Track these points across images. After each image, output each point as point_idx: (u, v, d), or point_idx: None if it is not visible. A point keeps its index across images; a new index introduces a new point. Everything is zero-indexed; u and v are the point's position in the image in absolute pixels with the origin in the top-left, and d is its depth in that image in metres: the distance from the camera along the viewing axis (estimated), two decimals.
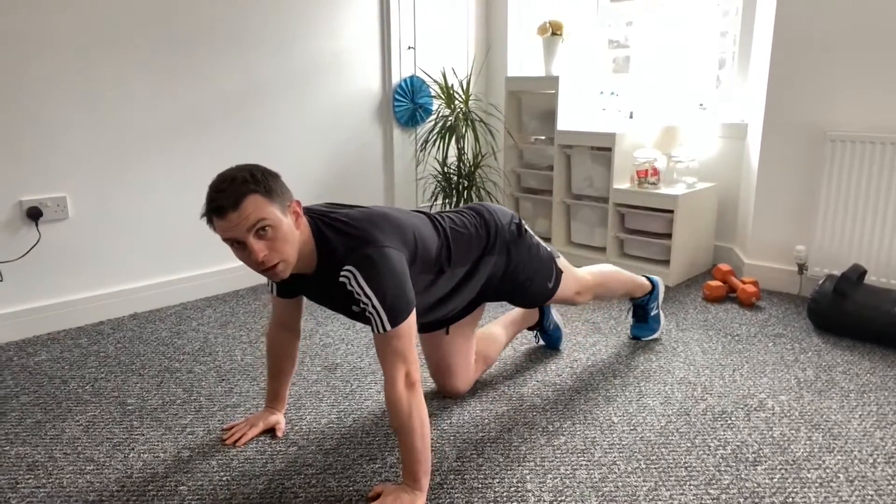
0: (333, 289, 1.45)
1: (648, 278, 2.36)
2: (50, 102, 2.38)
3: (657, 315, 2.39)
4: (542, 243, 1.96)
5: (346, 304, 1.48)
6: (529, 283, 1.90)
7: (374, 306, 1.40)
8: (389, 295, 1.40)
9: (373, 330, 1.43)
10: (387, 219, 1.52)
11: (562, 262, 1.99)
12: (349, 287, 1.40)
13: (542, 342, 2.37)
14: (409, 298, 1.44)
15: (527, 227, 1.91)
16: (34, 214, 2.38)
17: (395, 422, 1.44)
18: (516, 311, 2.25)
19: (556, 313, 2.33)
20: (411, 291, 1.46)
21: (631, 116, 3.46)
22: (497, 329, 2.16)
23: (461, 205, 3.51)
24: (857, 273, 2.40)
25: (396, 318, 1.41)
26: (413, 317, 1.45)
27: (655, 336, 2.40)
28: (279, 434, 1.76)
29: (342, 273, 1.41)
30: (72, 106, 2.43)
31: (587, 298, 2.10)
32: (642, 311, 2.37)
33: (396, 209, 1.62)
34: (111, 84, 2.51)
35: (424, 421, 1.45)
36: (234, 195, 1.33)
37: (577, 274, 2.04)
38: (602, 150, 3.17)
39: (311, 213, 1.53)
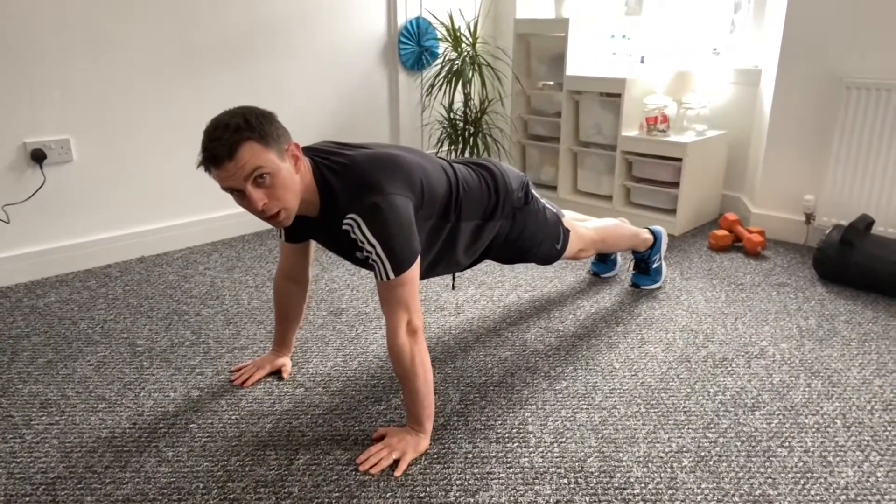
0: (338, 234, 1.43)
1: (652, 230, 2.36)
2: (53, 44, 2.34)
3: (659, 267, 2.40)
4: (548, 205, 1.94)
5: (350, 251, 1.47)
6: (538, 247, 1.91)
7: (377, 254, 1.38)
8: (394, 243, 1.38)
9: (376, 277, 1.42)
10: (394, 162, 1.47)
11: (566, 220, 1.98)
12: (353, 235, 1.38)
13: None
14: (414, 247, 1.42)
15: (534, 192, 1.89)
16: (38, 157, 2.37)
17: (398, 368, 1.45)
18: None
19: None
20: (416, 240, 1.44)
21: (642, 61, 3.38)
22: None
23: (467, 153, 3.48)
24: (864, 223, 2.39)
25: (400, 267, 1.40)
26: (417, 265, 1.44)
27: (657, 286, 2.41)
28: (285, 376, 1.79)
29: (345, 221, 1.38)
30: (75, 47, 2.39)
31: (589, 254, 2.12)
32: (644, 264, 2.39)
33: (407, 149, 1.57)
34: (114, 25, 2.46)
35: (427, 367, 1.47)
36: (228, 143, 1.28)
37: (579, 231, 2.03)
38: (611, 96, 3.11)
39: (313, 154, 1.48)
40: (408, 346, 1.43)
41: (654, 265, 2.38)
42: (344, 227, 1.39)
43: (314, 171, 1.45)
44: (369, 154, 1.48)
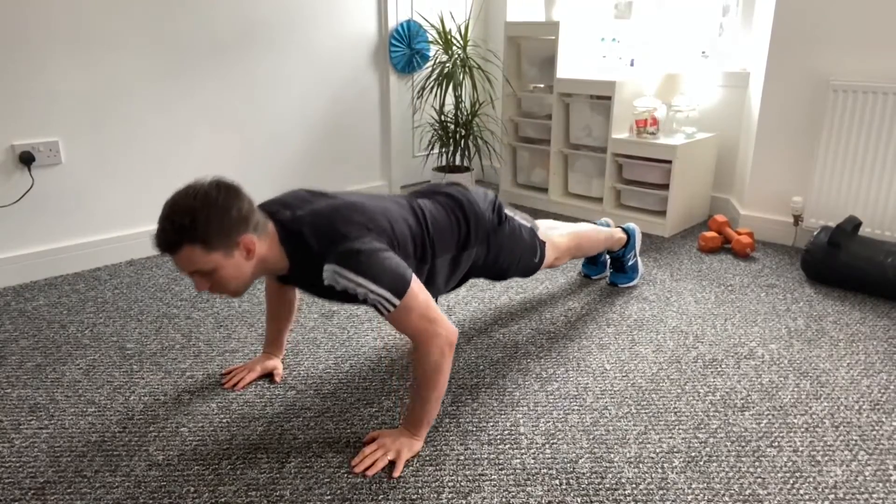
0: (319, 286, 1.43)
1: (625, 229, 2.39)
2: (41, 45, 2.33)
3: (635, 264, 2.42)
4: (522, 220, 1.92)
5: (343, 299, 1.48)
6: (517, 264, 1.91)
7: (373, 290, 1.36)
8: (384, 272, 1.36)
9: (381, 312, 1.40)
10: (359, 210, 1.46)
11: (541, 232, 1.98)
12: (339, 286, 1.37)
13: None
14: (403, 268, 1.40)
15: (507, 211, 1.87)
16: (27, 159, 2.36)
17: (421, 376, 1.44)
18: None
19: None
20: (402, 262, 1.42)
21: (632, 64, 3.40)
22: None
23: (458, 155, 3.48)
24: (851, 224, 2.41)
25: (400, 290, 1.38)
26: (416, 281, 1.42)
27: (633, 284, 2.43)
28: (277, 379, 1.79)
29: (325, 276, 1.38)
30: (64, 48, 2.38)
31: (564, 261, 2.13)
32: (619, 262, 2.41)
33: (369, 196, 1.57)
34: (104, 26, 2.45)
35: (445, 382, 1.47)
36: (168, 242, 1.30)
37: (554, 241, 2.03)
38: (602, 98, 3.13)
39: (277, 213, 1.46)
40: (442, 364, 1.43)
41: (630, 262, 2.40)
42: (326, 282, 1.38)
43: (279, 234, 1.43)
44: (330, 204, 1.47)
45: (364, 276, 1.36)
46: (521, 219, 1.93)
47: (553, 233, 2.07)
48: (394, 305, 1.38)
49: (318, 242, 1.40)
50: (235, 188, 1.37)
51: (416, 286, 1.42)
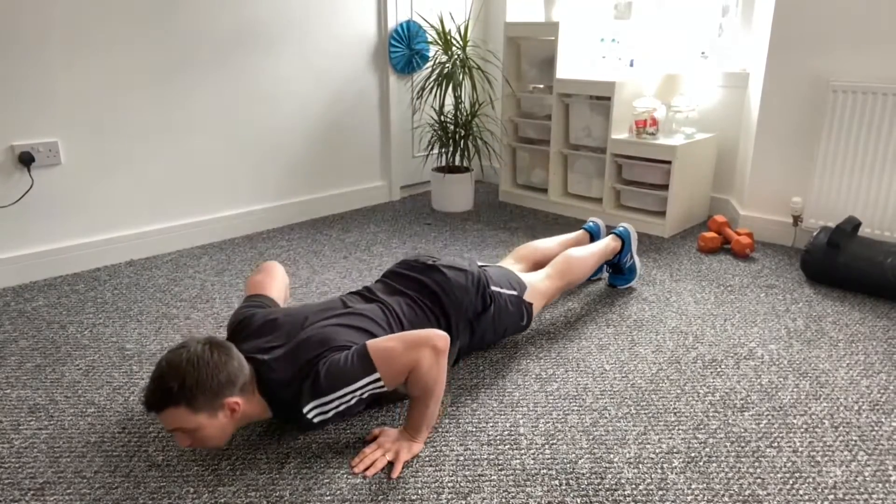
0: (313, 424, 1.44)
1: (619, 234, 2.34)
2: (40, 46, 2.33)
3: (633, 265, 2.41)
4: (510, 290, 1.87)
5: (348, 415, 1.48)
6: (504, 334, 1.93)
7: (358, 389, 1.40)
8: (349, 369, 1.39)
9: (381, 390, 1.43)
10: (317, 337, 1.47)
11: (528, 291, 1.93)
12: (328, 416, 1.41)
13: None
14: (352, 351, 1.42)
15: (493, 289, 1.82)
16: (26, 160, 2.36)
17: (415, 391, 1.45)
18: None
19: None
20: (350, 354, 1.43)
21: (631, 64, 3.41)
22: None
23: (458, 156, 3.48)
24: (851, 225, 2.41)
25: (370, 367, 1.40)
26: (368, 343, 1.43)
27: (632, 284, 2.43)
28: None
29: (313, 418, 1.41)
30: (63, 49, 2.38)
31: (558, 296, 2.15)
32: (616, 267, 2.40)
33: (343, 313, 1.58)
34: (103, 26, 2.45)
35: (443, 384, 1.48)
36: (156, 402, 1.33)
37: (539, 289, 1.99)
38: (601, 99, 3.13)
39: (253, 355, 1.46)
40: (435, 372, 1.44)
41: (627, 265, 2.40)
42: (316, 420, 1.42)
43: (261, 383, 1.44)
44: (296, 343, 1.47)
45: (342, 386, 1.39)
46: (508, 290, 1.87)
47: (538, 282, 2.01)
48: (380, 379, 1.41)
49: (291, 391, 1.42)
50: (227, 348, 1.39)
51: (372, 344, 1.43)
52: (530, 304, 1.93)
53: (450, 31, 3.38)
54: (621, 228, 2.36)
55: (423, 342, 1.43)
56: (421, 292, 1.74)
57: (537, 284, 1.99)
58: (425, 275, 1.76)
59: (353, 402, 1.42)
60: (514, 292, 1.89)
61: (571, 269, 2.10)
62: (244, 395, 1.40)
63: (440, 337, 1.45)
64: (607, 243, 2.30)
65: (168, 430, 1.36)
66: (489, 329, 1.83)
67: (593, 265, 2.21)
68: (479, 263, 1.93)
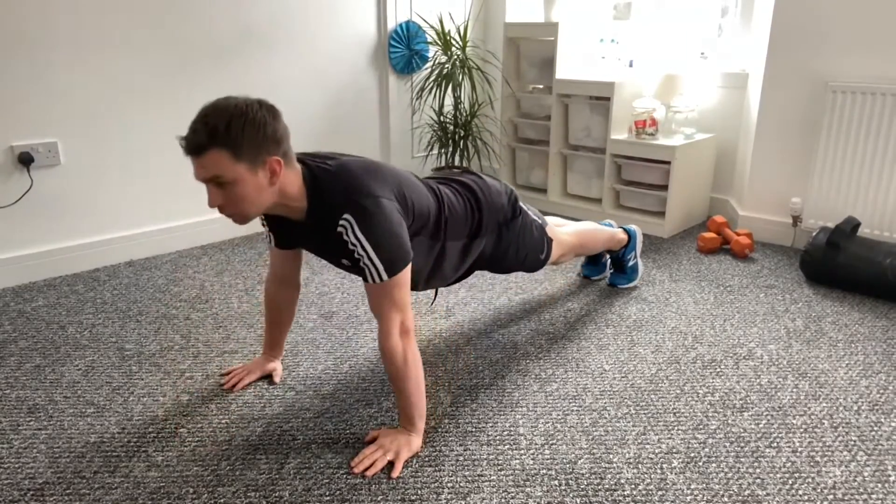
0: (328, 236, 1.42)
1: (627, 230, 2.39)
2: (40, 46, 2.32)
3: (635, 265, 2.42)
4: (535, 216, 1.94)
5: (338, 255, 1.47)
6: (524, 260, 1.93)
7: (370, 257, 1.38)
8: (386, 244, 1.38)
9: (366, 280, 1.41)
10: (382, 170, 1.47)
11: (549, 228, 1.99)
12: (346, 237, 1.37)
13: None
14: (406, 249, 1.42)
15: (522, 204, 1.89)
16: (26, 160, 2.36)
17: (390, 368, 1.46)
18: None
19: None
20: (408, 243, 1.44)
21: (631, 65, 3.41)
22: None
23: (458, 156, 3.48)
24: (850, 225, 2.41)
25: (394, 268, 1.40)
26: (409, 268, 1.44)
27: (633, 284, 2.43)
28: (276, 380, 1.79)
29: (340, 223, 1.37)
30: (62, 49, 2.37)
31: (568, 259, 2.15)
32: (619, 262, 2.41)
33: (393, 166, 1.58)
34: (103, 27, 2.45)
35: (418, 367, 1.47)
36: (198, 142, 1.28)
37: (560, 238, 2.04)
38: (601, 99, 3.13)
39: (306, 159, 1.47)
40: (400, 346, 1.44)
41: (630, 263, 2.41)
42: (339, 228, 1.38)
43: (305, 175, 1.43)
44: (360, 160, 1.49)
45: (368, 238, 1.36)
46: (533, 215, 1.94)
47: (559, 230, 2.08)
48: (381, 279, 1.39)
49: (341, 191, 1.40)
50: (276, 110, 1.37)
51: (407, 274, 1.43)
52: (551, 241, 1.98)
53: (449, 31, 3.38)
54: (630, 226, 2.42)
55: (402, 307, 1.43)
56: (460, 185, 1.75)
57: (557, 232, 2.04)
58: (462, 175, 1.80)
59: (354, 252, 1.38)
60: (538, 220, 1.95)
61: (587, 234, 2.17)
62: (287, 167, 1.37)
63: (410, 317, 1.46)
64: (618, 231, 2.36)
65: (203, 179, 1.31)
66: (513, 244, 1.85)
67: (605, 241, 2.27)
68: None
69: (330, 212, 1.40)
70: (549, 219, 2.20)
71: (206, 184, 1.33)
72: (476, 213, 1.73)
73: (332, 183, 1.42)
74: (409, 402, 1.48)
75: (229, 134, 1.27)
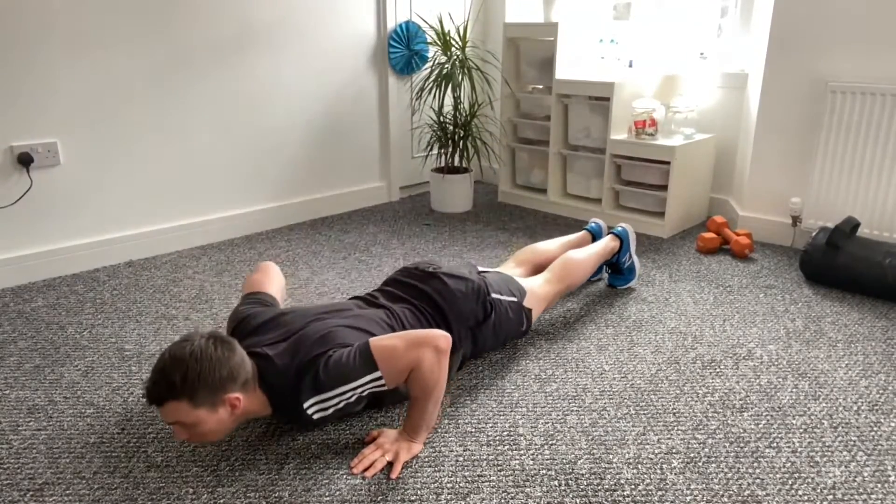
0: (312, 422, 1.45)
1: (617, 234, 2.34)
2: (40, 46, 2.32)
3: (632, 265, 2.41)
4: (510, 295, 1.87)
5: (342, 417, 1.50)
6: (504, 341, 1.93)
7: (359, 387, 1.40)
8: (350, 365, 1.40)
9: (380, 387, 1.43)
10: (326, 336, 1.47)
11: (528, 297, 1.92)
12: (328, 413, 1.42)
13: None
14: (355, 348, 1.43)
15: (493, 297, 1.81)
16: (25, 160, 2.36)
17: (415, 391, 1.45)
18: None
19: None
20: (349, 342, 1.45)
21: (630, 65, 3.41)
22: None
23: (457, 156, 3.48)
24: (850, 225, 2.41)
25: (372, 364, 1.40)
26: (372, 340, 1.44)
27: (631, 284, 2.43)
28: None
29: (312, 414, 1.41)
30: (62, 49, 2.37)
31: (559, 300, 2.14)
32: (615, 266, 2.40)
33: (346, 313, 1.59)
34: (102, 27, 2.45)
35: (444, 386, 1.48)
36: (157, 395, 1.33)
37: (539, 295, 1.98)
38: (600, 99, 3.13)
39: (254, 356, 1.46)
40: (436, 372, 1.44)
41: (626, 265, 2.40)
42: (315, 416, 1.42)
43: (261, 378, 1.44)
44: (298, 338, 1.48)
45: (343, 383, 1.39)
46: (507, 294, 1.87)
47: (536, 287, 2.00)
48: (381, 378, 1.41)
49: (293, 389, 1.42)
50: (230, 344, 1.39)
51: (375, 342, 1.43)
52: (530, 310, 1.93)
53: (449, 31, 3.38)
54: (620, 228, 2.35)
55: (425, 341, 1.43)
56: (422, 300, 1.74)
57: (536, 290, 1.99)
58: (425, 283, 1.77)
59: (353, 399, 1.42)
60: (515, 299, 1.89)
61: (570, 273, 2.10)
62: (245, 391, 1.40)
63: (442, 337, 1.45)
64: (606, 243, 2.30)
65: (167, 422, 1.36)
66: (490, 337, 1.83)
67: (592, 266, 2.20)
68: (479, 269, 1.93)
69: (294, 406, 1.43)
70: (524, 250, 2.20)
71: (170, 424, 1.37)
72: (443, 328, 1.71)
73: (284, 381, 1.43)
74: (422, 417, 1.48)
75: (185, 386, 1.32)
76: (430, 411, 1.48)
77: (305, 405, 1.41)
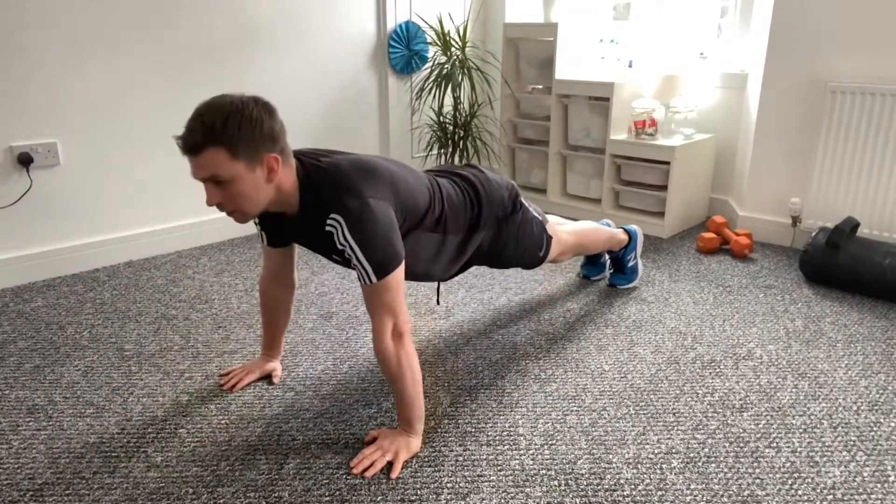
0: (319, 234, 1.42)
1: (627, 230, 2.39)
2: (39, 46, 2.32)
3: (635, 266, 2.42)
4: (535, 213, 1.93)
5: (330, 251, 1.46)
6: (522, 256, 1.92)
7: (358, 259, 1.37)
8: (375, 247, 1.37)
9: (359, 280, 1.42)
10: (375, 168, 1.45)
11: (549, 226, 1.99)
12: (335, 238, 1.37)
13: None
14: (396, 251, 1.41)
15: (523, 200, 1.88)
16: (25, 160, 2.36)
17: (385, 371, 1.46)
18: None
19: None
20: (399, 244, 1.42)
21: (630, 65, 3.41)
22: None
23: (457, 156, 3.48)
24: (849, 226, 2.41)
25: (381, 271, 1.39)
26: (401, 269, 1.43)
27: (632, 285, 2.43)
28: (276, 380, 1.79)
29: (328, 222, 1.37)
30: (62, 50, 2.37)
31: (567, 258, 2.15)
32: (619, 263, 2.41)
33: (392, 161, 1.57)
34: (102, 27, 2.45)
35: (415, 369, 1.47)
36: (194, 141, 1.28)
37: (560, 236, 2.04)
38: (600, 99, 3.13)
39: (300, 155, 1.47)
40: (392, 349, 1.43)
41: (630, 264, 2.40)
42: (327, 228, 1.38)
43: (299, 173, 1.43)
44: (353, 158, 1.48)
45: (356, 240, 1.36)
46: (534, 211, 1.93)
47: (559, 228, 2.08)
48: (370, 281, 1.39)
49: (332, 190, 1.39)
50: (271, 107, 1.36)
51: (398, 276, 1.42)
52: (550, 238, 1.97)
53: (449, 31, 3.38)
54: (631, 226, 2.41)
55: (395, 310, 1.41)
56: (460, 179, 1.75)
57: (557, 230, 2.04)
58: (464, 168, 1.80)
59: (345, 253, 1.38)
60: (539, 217, 1.94)
61: (587, 234, 2.16)
62: (284, 163, 1.37)
63: (404, 320, 1.44)
64: (618, 232, 2.35)
65: (201, 178, 1.30)
66: (511, 239, 1.84)
67: (605, 241, 2.26)
68: None
69: (320, 210, 1.40)
70: (549, 217, 2.20)
71: (204, 182, 1.33)
72: (475, 207, 1.73)
73: (322, 181, 1.41)
74: (405, 404, 1.48)
75: (226, 132, 1.27)
76: (411, 398, 1.47)
77: (332, 215, 1.36)
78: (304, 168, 1.44)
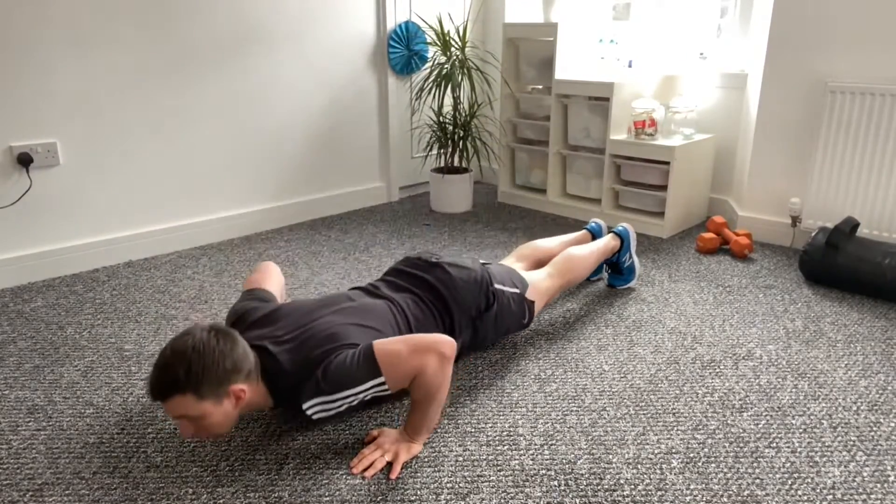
0: (305, 415, 1.45)
1: (618, 233, 2.34)
2: (39, 46, 2.32)
3: (632, 265, 2.41)
4: (512, 286, 1.87)
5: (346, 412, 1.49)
6: (505, 333, 1.93)
7: (361, 391, 1.40)
8: (353, 369, 1.40)
9: (384, 391, 1.43)
10: (334, 335, 1.48)
11: (530, 289, 1.93)
12: (329, 415, 1.42)
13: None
14: (358, 351, 1.42)
15: (497, 287, 1.82)
16: (25, 160, 2.35)
17: (418, 395, 1.45)
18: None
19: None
20: (352, 346, 1.45)
21: (630, 65, 3.41)
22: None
23: (457, 156, 3.48)
24: (849, 226, 2.41)
25: (376, 370, 1.40)
26: (375, 343, 1.43)
27: (631, 284, 2.43)
28: None
29: (308, 412, 1.41)
30: (62, 49, 2.37)
31: (559, 295, 2.15)
32: (616, 266, 2.40)
33: (356, 304, 1.59)
34: (102, 27, 2.45)
35: (446, 391, 1.47)
36: (162, 390, 1.32)
37: (540, 288, 1.99)
38: (600, 99, 3.13)
39: (258, 349, 1.47)
40: (439, 377, 1.43)
41: (626, 265, 2.40)
42: (316, 416, 1.42)
43: (264, 375, 1.45)
44: (313, 332, 1.48)
45: (346, 388, 1.39)
46: (510, 285, 1.88)
47: (539, 280, 2.01)
48: (385, 383, 1.41)
49: (296, 386, 1.42)
50: (232, 336, 1.39)
51: (379, 347, 1.42)
52: (532, 303, 1.93)
53: (448, 31, 3.38)
54: (620, 228, 2.36)
55: (429, 347, 1.43)
56: (425, 290, 1.74)
57: (538, 283, 2.00)
58: (429, 272, 1.77)
59: (354, 403, 1.42)
60: (517, 290, 1.89)
61: (572, 268, 2.10)
62: (249, 383, 1.40)
63: (447, 343, 1.45)
64: (607, 242, 2.30)
65: (172, 417, 1.35)
66: (491, 328, 1.83)
67: (593, 263, 2.21)
68: (481, 261, 1.93)
69: (293, 401, 1.43)
70: (527, 246, 2.21)
71: (176, 419, 1.36)
72: (445, 318, 1.72)
73: (286, 380, 1.44)
74: (423, 420, 1.48)
75: (189, 380, 1.31)
76: (432, 414, 1.48)
77: (306, 406, 1.41)
78: (264, 366, 1.45)
